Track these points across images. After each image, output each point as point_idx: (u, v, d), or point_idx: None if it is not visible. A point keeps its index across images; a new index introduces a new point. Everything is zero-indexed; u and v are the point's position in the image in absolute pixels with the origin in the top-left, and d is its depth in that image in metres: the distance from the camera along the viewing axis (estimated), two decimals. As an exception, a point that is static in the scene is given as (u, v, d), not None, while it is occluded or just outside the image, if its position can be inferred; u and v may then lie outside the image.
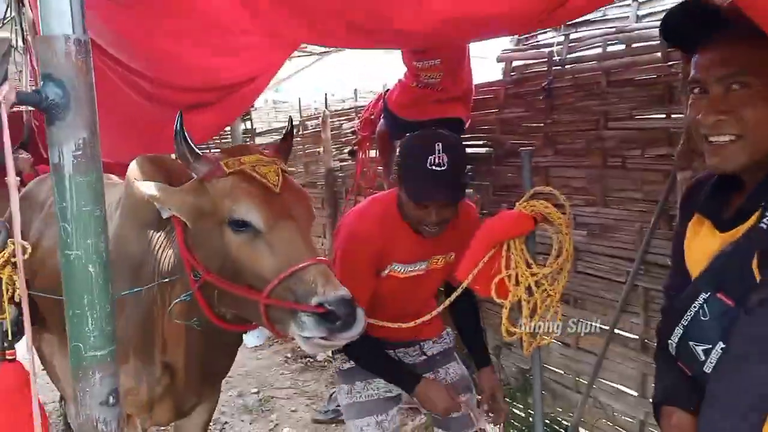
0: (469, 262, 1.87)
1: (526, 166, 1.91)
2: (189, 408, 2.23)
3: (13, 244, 1.95)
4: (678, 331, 1.23)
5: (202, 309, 1.78)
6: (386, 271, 2.12)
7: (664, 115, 2.72)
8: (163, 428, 3.42)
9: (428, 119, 3.46)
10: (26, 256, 1.78)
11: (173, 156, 1.86)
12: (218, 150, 1.93)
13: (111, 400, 0.84)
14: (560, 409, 3.31)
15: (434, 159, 1.90)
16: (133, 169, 1.94)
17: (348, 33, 2.09)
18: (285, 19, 2.01)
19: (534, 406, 2.04)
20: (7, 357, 1.91)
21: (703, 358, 1.17)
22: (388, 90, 3.84)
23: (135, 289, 1.88)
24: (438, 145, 1.91)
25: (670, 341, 1.25)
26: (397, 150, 2.15)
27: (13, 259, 1.89)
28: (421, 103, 3.48)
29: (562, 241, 1.85)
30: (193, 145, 1.70)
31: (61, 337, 2.13)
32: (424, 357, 2.40)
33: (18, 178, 5.18)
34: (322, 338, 1.52)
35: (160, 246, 1.91)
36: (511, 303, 1.84)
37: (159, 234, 1.92)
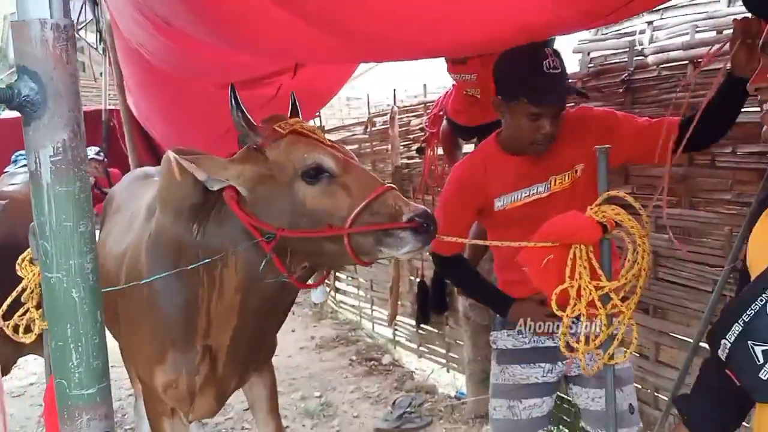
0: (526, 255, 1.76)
1: (603, 166, 1.72)
2: (230, 393, 2.28)
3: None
4: (736, 329, 1.10)
5: (278, 268, 1.81)
6: (499, 205, 2.10)
7: (758, 108, 2.43)
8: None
9: (482, 124, 3.37)
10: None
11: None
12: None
13: (101, 444, 0.73)
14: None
15: (549, 63, 1.94)
16: (165, 161, 1.95)
17: (400, 49, 2.12)
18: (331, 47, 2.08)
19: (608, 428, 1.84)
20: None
21: (762, 361, 1.07)
22: (447, 92, 3.79)
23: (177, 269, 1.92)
24: (547, 50, 1.97)
25: (724, 341, 1.10)
26: (497, 67, 2.11)
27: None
28: (473, 110, 3.40)
29: (637, 252, 1.65)
30: (249, 116, 1.79)
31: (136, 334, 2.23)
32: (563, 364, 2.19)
33: (92, 180, 5.29)
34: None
35: (201, 227, 1.92)
36: (570, 318, 1.66)
37: (201, 219, 1.92)
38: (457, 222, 2.15)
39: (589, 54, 3.34)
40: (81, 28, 6.86)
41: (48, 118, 0.66)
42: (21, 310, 1.98)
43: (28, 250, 1.93)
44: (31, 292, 1.92)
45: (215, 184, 1.80)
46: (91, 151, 6.23)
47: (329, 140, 1.87)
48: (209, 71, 3.43)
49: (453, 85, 3.59)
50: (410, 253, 1.71)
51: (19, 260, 1.98)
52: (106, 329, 2.23)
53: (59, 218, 0.67)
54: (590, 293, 1.65)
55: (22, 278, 1.99)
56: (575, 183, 2.06)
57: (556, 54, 1.97)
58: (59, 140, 0.66)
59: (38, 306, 1.96)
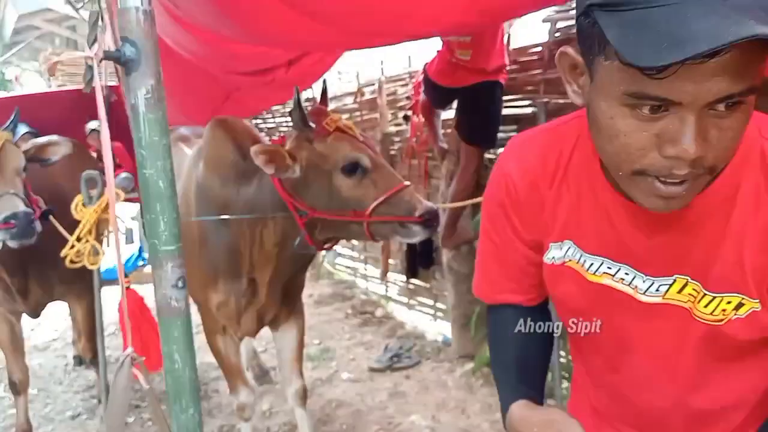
0: None
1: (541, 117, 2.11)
2: (269, 320, 2.74)
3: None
4: None
5: (306, 239, 2.31)
6: (554, 256, 1.08)
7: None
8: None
9: (464, 86, 3.70)
10: (121, 200, 2.26)
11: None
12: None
13: (179, 284, 1.12)
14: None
15: None
16: (208, 131, 2.50)
17: (381, 36, 2.41)
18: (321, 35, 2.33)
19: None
20: (125, 284, 2.39)
21: None
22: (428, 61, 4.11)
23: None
24: None
25: None
26: None
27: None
28: (456, 72, 3.73)
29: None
30: (306, 114, 2.22)
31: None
32: None
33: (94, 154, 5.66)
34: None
35: (247, 193, 2.38)
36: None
37: (244, 183, 2.39)
38: (507, 261, 1.16)
39: (556, 24, 3.68)
40: (81, 7, 7.17)
41: (142, 70, 1.03)
42: (80, 243, 2.39)
43: (79, 196, 2.31)
44: (90, 229, 2.30)
45: (270, 168, 2.19)
46: (94, 124, 6.55)
47: (360, 135, 2.26)
48: (220, 60, 3.79)
49: (438, 51, 3.90)
50: (416, 241, 2.18)
51: (73, 206, 2.36)
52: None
53: (150, 134, 1.05)
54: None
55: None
56: (730, 323, 0.94)
57: None
58: (149, 85, 1.03)
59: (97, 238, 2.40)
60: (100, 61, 0.99)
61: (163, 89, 1.06)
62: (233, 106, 4.37)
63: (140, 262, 6.84)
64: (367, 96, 5.55)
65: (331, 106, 6.25)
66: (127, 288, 2.53)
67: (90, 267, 2.42)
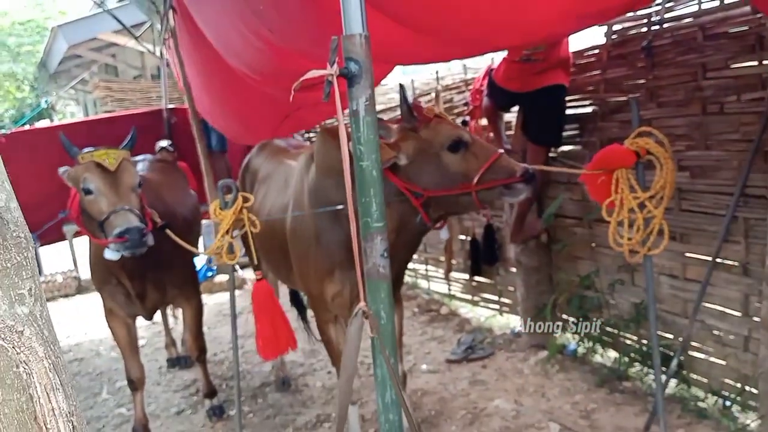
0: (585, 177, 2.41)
1: (635, 111, 2.34)
2: None
3: (241, 196, 2.64)
4: None
5: (423, 217, 2.54)
6: None
7: (756, 63, 3.03)
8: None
9: (532, 89, 3.94)
10: (249, 204, 2.52)
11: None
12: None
13: (385, 254, 1.39)
14: (671, 336, 3.68)
15: None
16: (319, 138, 2.75)
17: (476, 46, 2.64)
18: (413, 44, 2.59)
19: (649, 313, 2.46)
20: (257, 277, 2.66)
21: None
22: (492, 68, 4.35)
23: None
24: None
25: None
26: None
27: (246, 204, 2.57)
28: (525, 76, 3.96)
29: (662, 170, 2.26)
30: (412, 108, 2.52)
31: (269, 264, 3.33)
32: None
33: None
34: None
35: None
36: (617, 220, 2.29)
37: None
38: None
39: (612, 26, 3.92)
40: (140, 35, 7.62)
41: (362, 82, 1.30)
42: (218, 243, 2.68)
43: (216, 200, 2.60)
44: (227, 230, 2.59)
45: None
46: (165, 142, 6.95)
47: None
48: (288, 75, 4.06)
49: (503, 58, 4.14)
50: (521, 199, 2.44)
51: (211, 209, 2.65)
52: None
53: (367, 133, 1.32)
54: (630, 202, 2.28)
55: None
56: None
57: None
58: (367, 93, 1.31)
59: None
60: (337, 77, 1.26)
61: (374, 97, 1.33)
62: (294, 122, 4.67)
63: (209, 274, 7.21)
64: (425, 105, 5.80)
65: (387, 116, 6.58)
66: (259, 280, 2.81)
67: (229, 263, 2.71)
